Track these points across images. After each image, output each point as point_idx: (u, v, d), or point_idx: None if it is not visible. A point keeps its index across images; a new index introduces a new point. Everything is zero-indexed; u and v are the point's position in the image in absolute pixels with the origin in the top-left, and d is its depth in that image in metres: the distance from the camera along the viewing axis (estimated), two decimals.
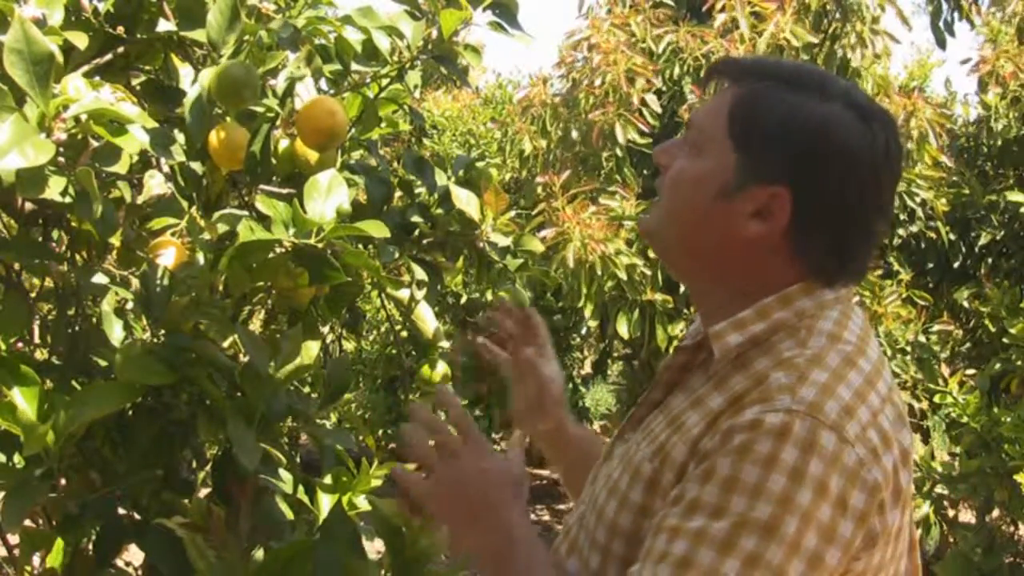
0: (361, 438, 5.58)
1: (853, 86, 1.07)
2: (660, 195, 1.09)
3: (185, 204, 1.48)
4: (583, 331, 6.12)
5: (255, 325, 1.86)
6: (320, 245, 1.36)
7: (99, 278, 1.42)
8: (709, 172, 1.02)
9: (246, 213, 1.47)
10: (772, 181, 0.99)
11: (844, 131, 0.99)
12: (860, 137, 1.00)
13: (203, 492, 1.51)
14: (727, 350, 1.01)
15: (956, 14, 5.65)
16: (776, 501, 0.87)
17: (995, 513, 3.95)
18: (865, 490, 0.90)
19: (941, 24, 5.68)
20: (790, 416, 0.90)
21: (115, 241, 1.46)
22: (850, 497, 0.89)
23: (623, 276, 4.30)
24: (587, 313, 4.46)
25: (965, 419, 3.88)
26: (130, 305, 1.40)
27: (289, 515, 1.52)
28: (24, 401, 1.26)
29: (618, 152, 4.68)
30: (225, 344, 1.44)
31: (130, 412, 1.40)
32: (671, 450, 0.98)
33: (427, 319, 1.77)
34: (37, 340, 1.57)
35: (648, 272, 4.41)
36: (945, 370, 4.31)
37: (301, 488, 1.55)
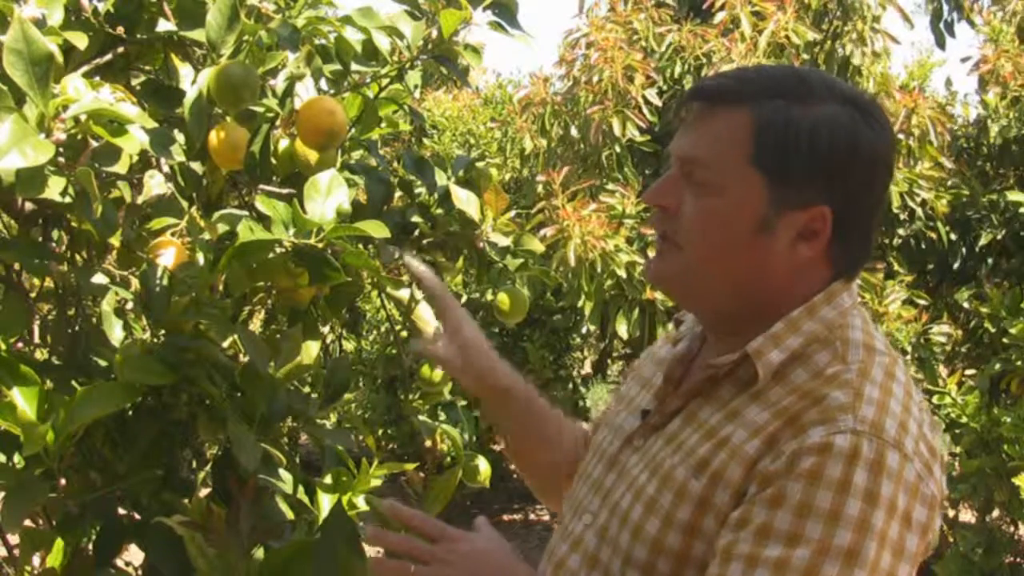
0: (361, 438, 5.58)
1: (832, 79, 1.05)
2: (675, 238, 1.03)
3: (185, 204, 1.48)
4: (583, 331, 6.11)
5: (255, 325, 1.86)
6: (320, 245, 1.36)
7: (99, 278, 1.42)
8: (739, 208, 0.99)
9: (246, 213, 1.47)
10: (811, 203, 0.98)
11: (862, 133, 0.99)
12: (869, 133, 1.00)
13: (203, 492, 1.51)
14: (771, 367, 0.99)
15: (957, 14, 5.65)
16: (855, 526, 0.87)
17: (995, 513, 3.95)
18: (925, 504, 0.92)
19: (941, 25, 5.68)
20: (857, 437, 0.90)
21: (115, 241, 1.46)
22: (914, 512, 0.91)
23: (622, 274, 4.30)
24: (587, 312, 4.46)
25: (965, 419, 3.88)
26: (130, 305, 1.40)
27: (289, 515, 1.52)
28: (24, 401, 1.26)
29: (617, 149, 4.68)
30: (225, 344, 1.44)
31: (130, 412, 1.40)
32: (722, 469, 0.96)
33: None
34: (37, 340, 1.57)
35: None
36: (944, 371, 4.31)
37: (301, 488, 1.55)
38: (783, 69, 1.06)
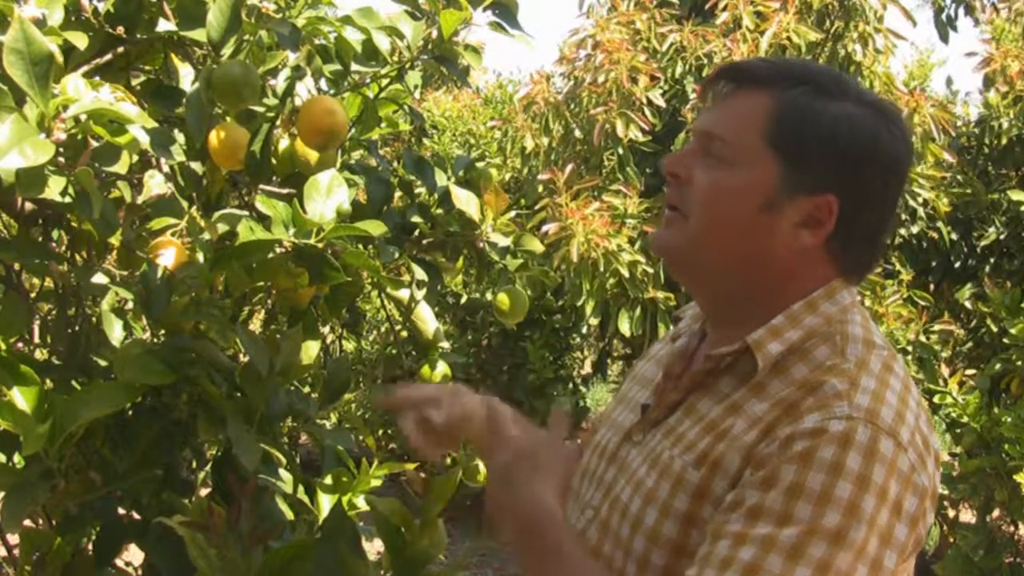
0: (361, 438, 5.58)
1: (857, 82, 1.07)
2: (683, 208, 1.05)
3: (185, 204, 1.48)
4: (583, 331, 6.11)
5: (255, 325, 1.86)
6: (320, 245, 1.36)
7: (99, 278, 1.42)
8: (749, 185, 1.00)
9: (246, 213, 1.47)
10: (820, 191, 0.99)
11: (882, 135, 1.00)
12: (889, 138, 1.01)
13: (203, 492, 1.52)
14: (770, 359, 1.00)
15: (961, 9, 5.65)
16: (844, 509, 0.88)
17: (995, 513, 3.95)
18: (917, 495, 0.92)
19: (943, 18, 5.68)
20: (852, 422, 0.91)
21: (115, 241, 1.46)
22: (905, 501, 0.91)
23: (625, 273, 4.30)
24: (588, 311, 4.46)
25: (965, 419, 3.87)
26: (130, 305, 1.40)
27: (289, 515, 1.52)
28: (24, 401, 1.26)
29: (620, 151, 4.68)
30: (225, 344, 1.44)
31: (130, 412, 1.40)
32: (721, 459, 0.96)
33: (427, 319, 1.77)
34: (37, 340, 1.57)
35: (650, 270, 4.41)
36: (945, 370, 4.31)
37: (301, 488, 1.55)
38: (821, 66, 1.07)
